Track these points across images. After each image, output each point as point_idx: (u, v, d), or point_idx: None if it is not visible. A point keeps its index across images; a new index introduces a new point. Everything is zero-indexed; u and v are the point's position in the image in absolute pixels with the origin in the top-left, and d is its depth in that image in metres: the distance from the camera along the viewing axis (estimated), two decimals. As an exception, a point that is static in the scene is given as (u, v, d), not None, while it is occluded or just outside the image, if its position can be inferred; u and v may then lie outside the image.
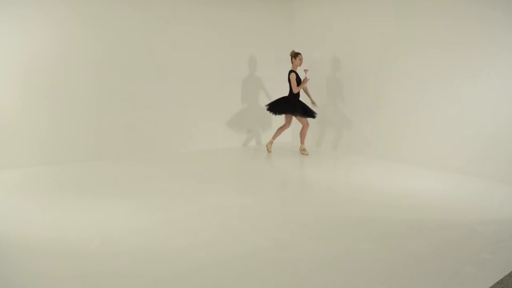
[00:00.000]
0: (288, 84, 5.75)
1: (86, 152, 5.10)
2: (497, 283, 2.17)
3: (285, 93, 5.95)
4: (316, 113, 5.77)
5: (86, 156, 5.08)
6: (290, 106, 5.65)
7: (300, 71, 5.75)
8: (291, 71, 5.65)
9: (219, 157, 5.68)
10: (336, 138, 6.28)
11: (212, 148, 6.18)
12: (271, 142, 5.98)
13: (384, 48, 5.44)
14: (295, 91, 5.64)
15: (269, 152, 5.94)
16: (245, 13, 6.38)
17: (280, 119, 6.31)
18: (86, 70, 5.01)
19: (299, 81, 5.67)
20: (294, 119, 5.90)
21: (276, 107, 5.75)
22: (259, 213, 3.33)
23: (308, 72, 5.74)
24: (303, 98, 5.88)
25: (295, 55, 5.69)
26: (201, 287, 2.13)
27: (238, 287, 2.14)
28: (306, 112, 5.69)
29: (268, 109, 5.84)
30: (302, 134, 5.85)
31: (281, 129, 5.95)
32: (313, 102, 5.93)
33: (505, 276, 2.23)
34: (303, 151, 5.86)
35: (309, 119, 5.85)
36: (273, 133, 6.14)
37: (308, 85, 6.04)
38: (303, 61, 5.74)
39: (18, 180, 4.25)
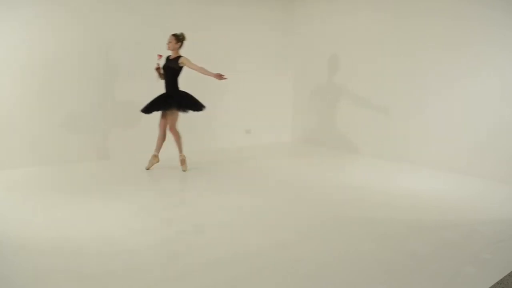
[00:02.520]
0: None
1: (86, 152, 5.10)
2: (497, 283, 2.17)
3: (285, 91, 5.92)
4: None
5: (86, 156, 5.07)
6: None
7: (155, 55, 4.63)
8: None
9: (219, 157, 5.67)
10: (336, 138, 6.27)
11: (211, 148, 6.17)
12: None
13: (384, 48, 5.43)
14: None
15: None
16: (245, 12, 6.37)
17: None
18: (85, 71, 5.00)
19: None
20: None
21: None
22: (259, 213, 3.33)
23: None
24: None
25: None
26: (201, 287, 2.13)
27: (238, 287, 2.14)
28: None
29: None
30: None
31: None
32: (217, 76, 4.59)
33: (505, 276, 2.23)
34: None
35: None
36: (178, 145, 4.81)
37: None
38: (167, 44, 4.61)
39: (18, 180, 4.25)
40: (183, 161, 4.75)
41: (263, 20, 6.57)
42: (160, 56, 4.59)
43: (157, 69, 4.61)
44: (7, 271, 2.28)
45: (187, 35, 4.68)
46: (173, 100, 4.62)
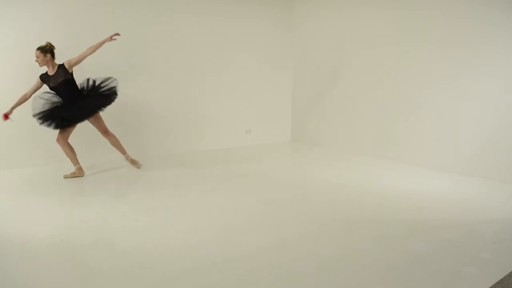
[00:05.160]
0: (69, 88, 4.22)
1: (86, 152, 5.10)
2: (497, 283, 2.17)
3: (285, 90, 5.92)
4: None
5: (85, 157, 5.07)
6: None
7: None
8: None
9: (218, 157, 5.68)
10: (335, 138, 6.28)
11: (211, 149, 6.17)
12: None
13: (384, 47, 5.44)
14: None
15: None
16: (244, 11, 6.38)
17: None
18: (84, 70, 5.01)
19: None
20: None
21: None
22: (259, 213, 3.32)
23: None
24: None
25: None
26: (201, 287, 2.13)
27: (238, 287, 2.14)
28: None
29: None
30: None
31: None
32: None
33: (505, 276, 2.23)
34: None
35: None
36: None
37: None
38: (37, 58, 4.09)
39: (18, 180, 4.25)
40: (133, 161, 4.61)
41: (262, 18, 6.57)
42: (7, 117, 4.07)
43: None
44: (7, 271, 2.28)
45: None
46: (90, 105, 4.22)
